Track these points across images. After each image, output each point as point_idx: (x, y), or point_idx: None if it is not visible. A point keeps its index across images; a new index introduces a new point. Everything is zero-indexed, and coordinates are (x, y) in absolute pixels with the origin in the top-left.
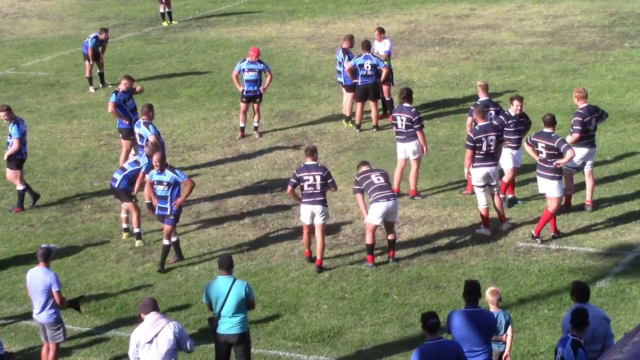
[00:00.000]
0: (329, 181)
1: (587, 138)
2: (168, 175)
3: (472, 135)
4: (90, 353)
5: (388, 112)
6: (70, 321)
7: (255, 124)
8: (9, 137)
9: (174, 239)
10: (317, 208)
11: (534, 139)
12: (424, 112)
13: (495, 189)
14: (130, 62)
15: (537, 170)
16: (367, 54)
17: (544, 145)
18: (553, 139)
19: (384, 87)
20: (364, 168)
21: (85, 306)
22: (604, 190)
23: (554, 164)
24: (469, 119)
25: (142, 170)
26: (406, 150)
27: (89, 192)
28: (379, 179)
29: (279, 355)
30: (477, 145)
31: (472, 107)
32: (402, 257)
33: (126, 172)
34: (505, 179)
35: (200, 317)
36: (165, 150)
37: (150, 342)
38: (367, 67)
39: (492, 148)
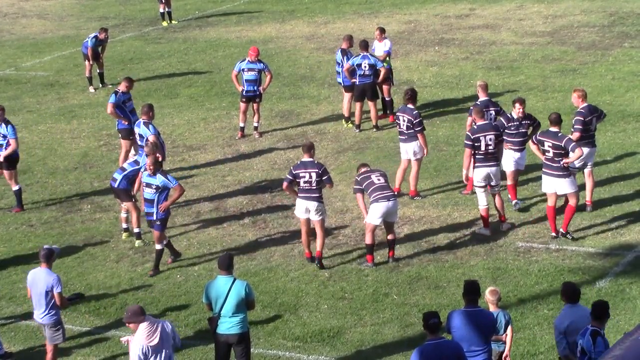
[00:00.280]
0: (324, 178)
1: (587, 138)
2: (159, 179)
3: (470, 135)
4: (90, 353)
5: (388, 112)
6: (70, 321)
7: (255, 124)
8: (2, 138)
9: (164, 242)
10: (312, 204)
11: (540, 138)
12: (424, 112)
13: (496, 189)
14: (130, 62)
15: (544, 170)
16: (365, 53)
17: (550, 144)
18: (560, 138)
19: (384, 87)
20: (363, 169)
21: (85, 306)
22: (604, 190)
23: (561, 163)
24: (469, 119)
25: (142, 170)
26: (407, 150)
27: (88, 192)
28: (379, 179)
29: (278, 355)
30: (476, 144)
31: (471, 107)
32: (401, 257)
33: (126, 172)
34: (510, 181)
35: (200, 317)
36: (165, 151)
37: (157, 343)
38: (365, 67)
39: (491, 148)
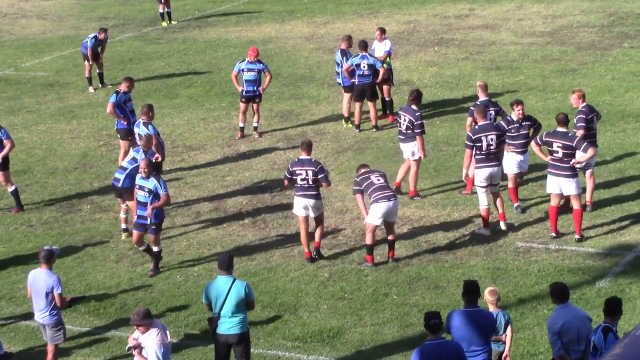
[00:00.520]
0: (319, 177)
1: (589, 137)
2: (151, 183)
3: (471, 135)
4: (90, 353)
5: (388, 112)
6: (70, 321)
7: (255, 124)
8: None
9: (160, 247)
10: (310, 202)
11: (547, 139)
12: (424, 112)
13: (496, 189)
14: (129, 62)
15: (550, 170)
16: (363, 53)
17: (560, 144)
18: (571, 138)
19: (385, 87)
20: (363, 170)
21: (85, 306)
22: (604, 190)
23: (571, 163)
24: (469, 119)
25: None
26: (406, 150)
27: (88, 192)
28: (378, 180)
29: (278, 355)
30: (477, 144)
31: (471, 107)
32: (401, 257)
33: (128, 171)
34: (511, 184)
35: (200, 317)
36: (165, 151)
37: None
38: (364, 67)
39: (492, 148)
